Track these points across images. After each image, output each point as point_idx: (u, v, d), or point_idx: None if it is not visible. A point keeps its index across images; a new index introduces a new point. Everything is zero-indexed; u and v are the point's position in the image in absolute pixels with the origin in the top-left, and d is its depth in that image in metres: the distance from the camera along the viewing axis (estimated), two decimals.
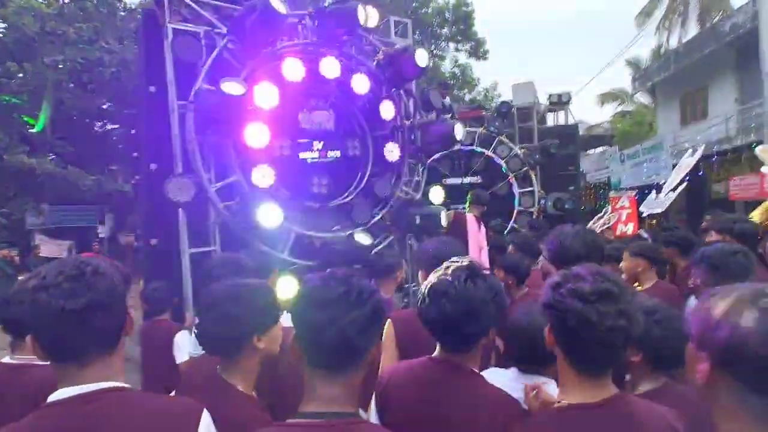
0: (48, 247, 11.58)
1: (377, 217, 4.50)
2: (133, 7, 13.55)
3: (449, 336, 1.27)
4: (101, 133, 15.15)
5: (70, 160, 12.63)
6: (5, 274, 7.90)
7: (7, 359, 1.65)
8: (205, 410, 1.02)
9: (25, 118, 12.71)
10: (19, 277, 8.06)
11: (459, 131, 4.69)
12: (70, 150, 13.13)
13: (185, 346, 2.74)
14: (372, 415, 1.34)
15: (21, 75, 11.70)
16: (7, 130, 11.69)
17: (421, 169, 5.15)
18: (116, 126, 15.07)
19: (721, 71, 12.77)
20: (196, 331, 1.31)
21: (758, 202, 8.53)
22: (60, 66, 11.93)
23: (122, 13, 13.65)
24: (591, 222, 7.63)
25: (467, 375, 1.29)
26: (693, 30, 18.17)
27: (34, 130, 12.43)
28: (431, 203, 4.82)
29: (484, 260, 4.33)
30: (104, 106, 14.18)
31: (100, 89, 13.19)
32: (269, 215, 3.64)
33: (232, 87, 3.45)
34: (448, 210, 4.91)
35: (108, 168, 14.29)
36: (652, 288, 2.81)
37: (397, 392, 1.31)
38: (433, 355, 1.34)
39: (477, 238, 4.44)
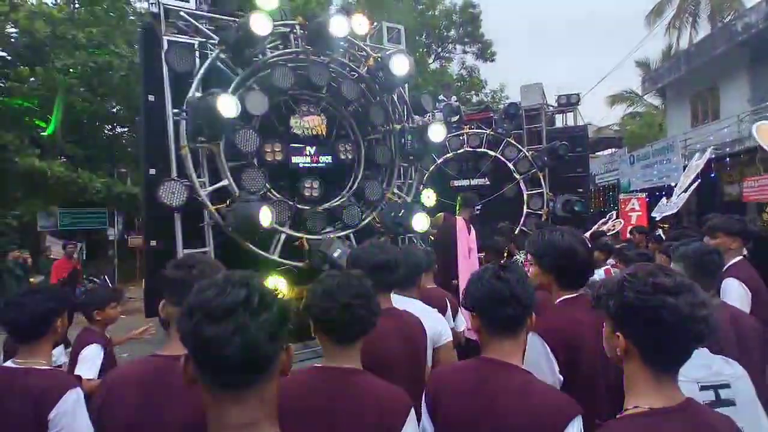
0: (58, 250, 11.70)
1: (367, 220, 4.60)
2: (143, 12, 13.70)
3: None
4: (111, 136, 15.33)
5: (81, 163, 12.78)
6: (15, 275, 7.98)
7: (9, 363, 1.64)
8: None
9: (37, 122, 12.88)
10: (30, 279, 8.18)
11: (439, 133, 4.78)
12: (80, 153, 13.29)
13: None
14: (424, 421, 1.36)
15: (32, 79, 11.87)
16: (19, 133, 11.85)
17: (412, 172, 5.23)
18: (125, 129, 15.23)
19: (734, 71, 12.58)
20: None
21: None
22: (71, 70, 12.08)
23: (131, 18, 13.80)
24: (595, 226, 7.54)
25: (517, 373, 1.32)
26: (704, 30, 17.97)
27: (45, 134, 12.59)
28: (424, 206, 4.89)
29: (474, 263, 4.29)
30: (113, 110, 14.35)
31: (110, 93, 13.34)
32: (259, 218, 3.71)
33: (226, 106, 3.58)
34: (439, 212, 4.85)
35: (117, 170, 14.44)
36: None
37: (446, 395, 1.33)
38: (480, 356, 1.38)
39: (466, 241, 4.39)
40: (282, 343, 0.87)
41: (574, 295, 1.78)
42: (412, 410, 1.34)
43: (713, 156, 8.83)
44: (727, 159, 9.85)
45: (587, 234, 6.09)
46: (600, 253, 4.08)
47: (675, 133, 13.88)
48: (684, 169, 8.66)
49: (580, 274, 1.81)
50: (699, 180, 7.73)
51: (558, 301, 1.80)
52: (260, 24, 3.74)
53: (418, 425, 1.36)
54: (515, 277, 1.37)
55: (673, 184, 8.66)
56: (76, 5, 13.20)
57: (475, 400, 1.29)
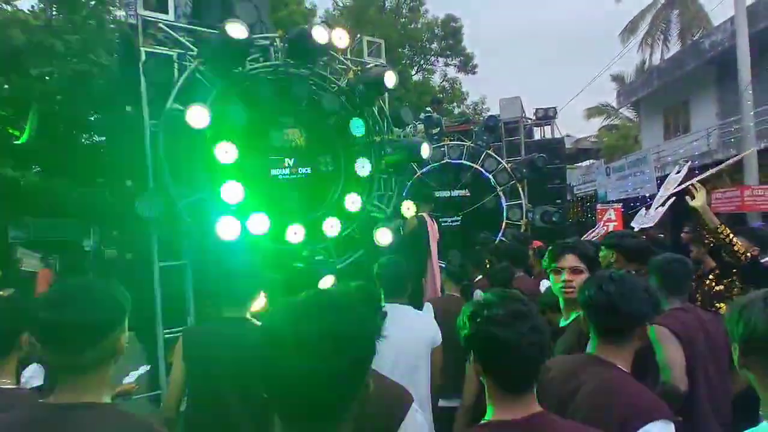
0: (30, 261, 11.34)
1: (347, 232, 4.63)
2: (123, 20, 13.56)
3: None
4: (88, 145, 15.00)
5: (56, 173, 12.47)
6: None
7: None
8: None
9: (11, 130, 12.54)
10: (0, 292, 7.89)
11: (425, 150, 4.90)
12: (56, 162, 12.97)
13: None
14: None
15: (7, 87, 11.59)
16: None
17: (393, 184, 5.30)
18: (104, 138, 14.94)
19: (702, 87, 13.12)
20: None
21: (740, 215, 8.71)
22: (47, 78, 11.85)
23: (112, 26, 13.64)
24: (585, 236, 7.72)
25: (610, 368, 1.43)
26: (675, 47, 18.71)
27: (18, 142, 12.27)
28: (404, 218, 4.97)
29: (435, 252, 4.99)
30: (92, 118, 14.08)
31: (88, 101, 13.09)
32: (236, 230, 3.70)
33: (196, 117, 3.59)
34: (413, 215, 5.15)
35: (95, 181, 14.12)
36: None
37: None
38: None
39: (434, 237, 5.19)
40: (360, 383, 0.82)
41: None
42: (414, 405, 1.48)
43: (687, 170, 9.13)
44: (697, 171, 10.19)
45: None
46: None
47: (649, 145, 14.34)
48: (657, 181, 8.94)
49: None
50: (675, 198, 7.99)
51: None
52: (237, 30, 3.75)
53: None
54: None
55: (646, 195, 8.92)
56: (54, 13, 12.99)
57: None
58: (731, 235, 2.79)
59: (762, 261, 2.99)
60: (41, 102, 11.80)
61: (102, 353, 1.07)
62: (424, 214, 5.43)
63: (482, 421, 1.19)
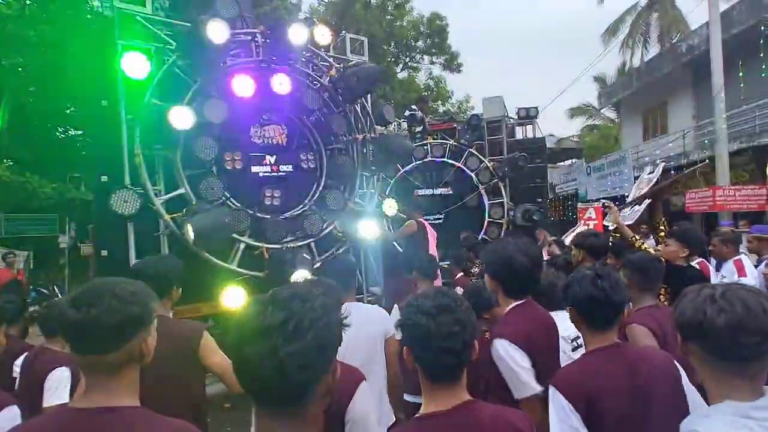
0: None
1: (329, 229, 4.62)
2: (100, 10, 13.19)
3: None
4: (63, 138, 14.60)
5: (30, 167, 12.10)
6: None
7: None
8: None
9: None
10: None
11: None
12: (29, 156, 12.58)
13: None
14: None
15: None
16: None
17: (374, 181, 5.33)
18: (80, 132, 14.55)
19: (679, 89, 13.45)
20: None
21: (712, 215, 8.98)
22: (20, 69, 11.47)
23: (89, 17, 13.26)
24: (565, 234, 7.85)
25: None
26: (654, 49, 19.10)
27: None
28: (385, 214, 5.00)
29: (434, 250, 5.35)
30: (68, 111, 13.69)
31: (63, 94, 12.73)
32: (215, 226, 3.66)
33: (179, 119, 3.54)
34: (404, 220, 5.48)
35: (70, 175, 13.75)
36: None
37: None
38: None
39: (433, 240, 5.53)
40: (320, 372, 0.85)
41: (521, 302, 1.93)
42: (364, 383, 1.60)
43: (661, 170, 9.37)
44: (672, 171, 10.47)
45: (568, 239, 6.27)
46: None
47: (629, 145, 14.65)
48: (635, 181, 9.15)
49: (522, 282, 1.93)
50: (650, 200, 8.19)
51: (508, 309, 1.93)
52: (217, 32, 3.70)
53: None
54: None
55: (625, 194, 9.12)
56: (27, 2, 12.56)
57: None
58: (643, 244, 3.35)
59: (693, 264, 3.12)
60: (14, 94, 11.42)
61: (128, 353, 1.07)
62: (421, 220, 5.69)
63: (416, 415, 1.25)
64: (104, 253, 3.99)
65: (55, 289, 11.49)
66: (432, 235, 5.64)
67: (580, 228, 8.26)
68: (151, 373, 1.21)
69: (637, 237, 3.57)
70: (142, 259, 2.43)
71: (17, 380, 2.31)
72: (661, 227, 3.17)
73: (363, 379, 1.62)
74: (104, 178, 3.96)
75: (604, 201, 3.79)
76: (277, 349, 0.79)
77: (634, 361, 1.50)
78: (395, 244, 6.13)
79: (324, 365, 0.86)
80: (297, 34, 4.24)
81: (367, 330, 2.25)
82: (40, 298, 11.13)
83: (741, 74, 10.26)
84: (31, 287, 11.00)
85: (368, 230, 4.58)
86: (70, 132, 14.65)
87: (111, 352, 1.04)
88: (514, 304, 1.92)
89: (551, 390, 1.48)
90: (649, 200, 7.99)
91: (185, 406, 1.86)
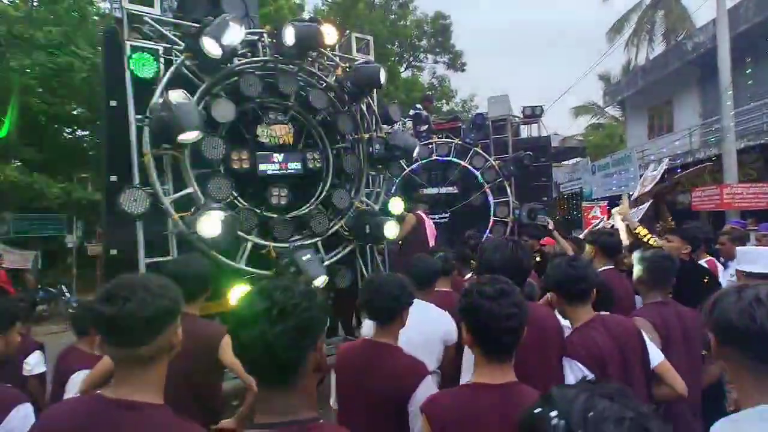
0: (11, 258, 11.09)
1: (335, 228, 4.64)
2: (107, 12, 13.28)
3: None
4: (71, 139, 14.70)
5: (37, 167, 12.20)
6: None
7: None
8: None
9: None
10: None
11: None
12: (37, 156, 12.68)
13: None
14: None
15: None
16: None
17: (380, 180, 5.34)
18: (87, 132, 14.66)
19: (685, 87, 13.37)
20: None
21: (720, 213, 8.94)
22: (27, 70, 11.56)
23: (95, 18, 13.35)
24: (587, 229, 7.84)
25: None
26: (660, 47, 18.99)
27: None
28: (391, 214, 5.01)
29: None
30: (75, 112, 13.78)
31: (71, 94, 12.82)
32: (224, 226, 3.67)
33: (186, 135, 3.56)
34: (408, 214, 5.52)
35: (78, 176, 13.85)
36: None
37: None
38: None
39: (432, 231, 5.69)
40: (304, 351, 0.99)
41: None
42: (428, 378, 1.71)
43: (667, 167, 9.33)
44: (679, 169, 10.41)
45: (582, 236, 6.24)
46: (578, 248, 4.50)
47: (633, 144, 14.58)
48: (641, 179, 9.11)
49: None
50: (652, 200, 8.16)
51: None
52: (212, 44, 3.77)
53: None
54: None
55: (630, 193, 9.09)
56: (35, 4, 12.67)
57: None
58: (651, 238, 3.35)
59: (701, 263, 3.12)
60: (21, 95, 11.52)
61: (159, 346, 1.11)
62: (420, 212, 5.70)
63: (460, 384, 1.42)
64: (113, 252, 4.02)
65: (63, 288, 11.59)
66: (430, 227, 5.64)
67: (597, 226, 8.25)
68: (174, 371, 1.23)
69: (646, 231, 3.57)
70: (173, 260, 2.46)
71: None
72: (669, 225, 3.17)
73: (427, 373, 1.73)
74: (113, 178, 3.99)
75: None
76: (266, 333, 0.94)
77: (613, 326, 1.88)
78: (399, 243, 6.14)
79: (308, 344, 1.00)
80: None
81: (423, 330, 2.21)
82: (49, 297, 11.25)
83: (748, 71, 10.20)
84: (39, 287, 11.10)
85: (389, 231, 4.58)
86: (77, 133, 14.75)
87: (144, 344, 1.07)
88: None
89: (566, 360, 1.78)
90: (652, 200, 7.96)
91: (204, 400, 1.91)
